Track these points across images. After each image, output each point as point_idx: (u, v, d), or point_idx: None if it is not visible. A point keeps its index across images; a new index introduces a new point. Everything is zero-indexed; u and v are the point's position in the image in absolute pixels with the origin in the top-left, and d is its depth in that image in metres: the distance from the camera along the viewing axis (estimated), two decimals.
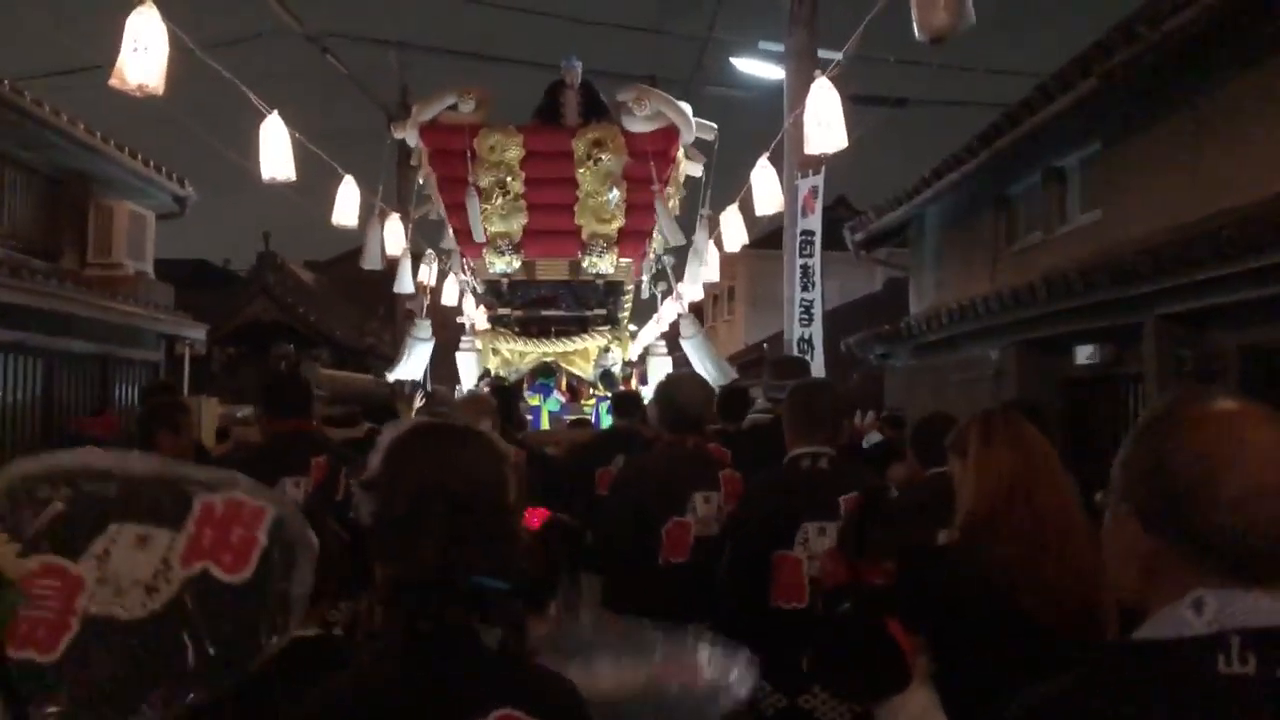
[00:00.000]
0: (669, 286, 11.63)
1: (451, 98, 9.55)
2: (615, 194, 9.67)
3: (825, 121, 6.34)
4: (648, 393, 8.61)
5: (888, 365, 12.92)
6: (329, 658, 2.36)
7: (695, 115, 9.63)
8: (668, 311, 11.93)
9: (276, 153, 6.76)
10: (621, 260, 10.30)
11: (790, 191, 9.48)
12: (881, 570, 2.63)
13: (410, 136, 9.79)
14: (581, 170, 9.59)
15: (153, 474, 2.15)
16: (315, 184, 8.75)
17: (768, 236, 13.26)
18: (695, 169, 10.14)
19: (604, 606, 4.22)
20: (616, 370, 10.51)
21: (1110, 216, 8.61)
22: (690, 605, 3.69)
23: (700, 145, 9.86)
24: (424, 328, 11.20)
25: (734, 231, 9.68)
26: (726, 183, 9.87)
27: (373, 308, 26.18)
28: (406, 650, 1.52)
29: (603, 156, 9.50)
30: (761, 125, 10.55)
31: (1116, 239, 7.92)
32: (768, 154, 8.42)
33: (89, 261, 11.63)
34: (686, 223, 10.63)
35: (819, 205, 10.66)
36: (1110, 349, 7.89)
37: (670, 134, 9.50)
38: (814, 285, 10.71)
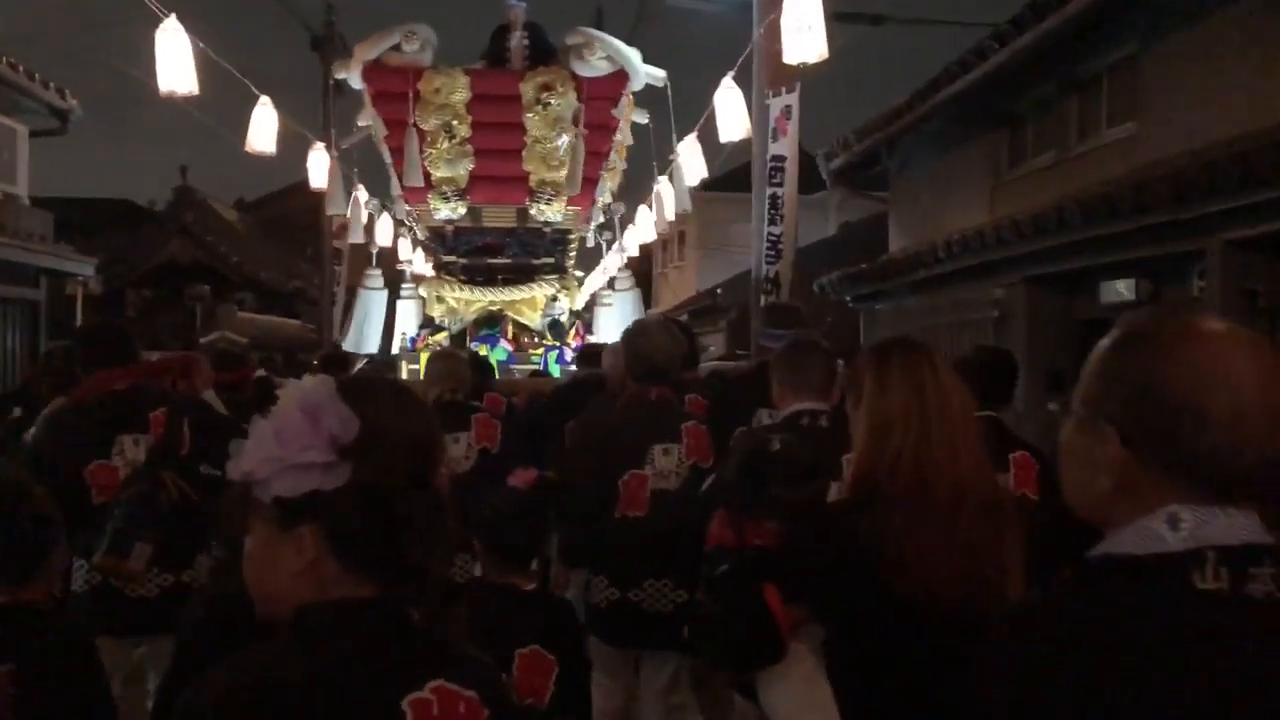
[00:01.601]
0: (614, 236, 11.54)
1: (396, 37, 9.16)
2: (564, 140, 9.37)
3: (805, 25, 5.67)
4: (594, 341, 9.10)
5: (865, 308, 11.83)
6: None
7: (650, 38, 9.30)
8: (612, 261, 11.80)
9: (175, 63, 6.12)
10: (570, 208, 10.02)
11: (760, 113, 8.60)
12: (764, 531, 2.51)
13: (354, 78, 9.41)
14: (530, 114, 9.29)
15: None
16: (245, 119, 8.18)
17: (722, 178, 12.72)
18: (642, 116, 9.91)
19: (560, 562, 4.34)
20: (564, 320, 10.32)
21: (1147, 130, 7.49)
22: (645, 560, 3.92)
23: (650, 92, 9.58)
24: (375, 277, 11.00)
25: (693, 165, 9.15)
26: (685, 112, 9.34)
27: (300, 249, 24.73)
28: (339, 627, 1.36)
29: (551, 100, 9.22)
30: (726, 46, 9.52)
31: (1152, 156, 6.90)
32: (733, 72, 7.76)
33: None
34: (634, 172, 10.62)
35: (793, 128, 9.53)
36: (1147, 284, 6.86)
37: (620, 79, 9.27)
38: (782, 218, 9.58)
